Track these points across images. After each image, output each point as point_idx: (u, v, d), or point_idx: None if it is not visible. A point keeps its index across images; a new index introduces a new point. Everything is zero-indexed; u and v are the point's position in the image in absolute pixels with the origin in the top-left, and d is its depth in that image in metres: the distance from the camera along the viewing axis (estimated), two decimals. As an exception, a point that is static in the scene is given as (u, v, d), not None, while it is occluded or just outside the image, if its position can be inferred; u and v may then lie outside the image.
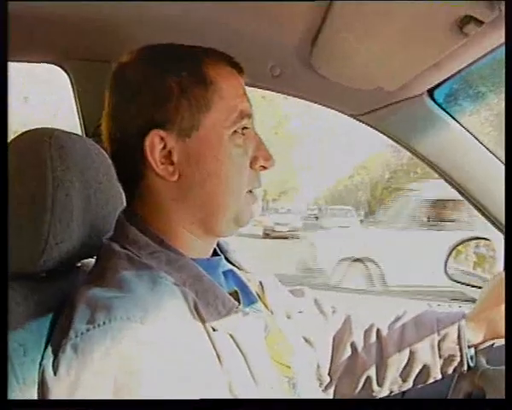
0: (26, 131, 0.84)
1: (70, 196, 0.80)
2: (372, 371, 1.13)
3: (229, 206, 0.84)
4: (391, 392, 1.14)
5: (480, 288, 1.67)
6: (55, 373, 0.66)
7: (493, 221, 1.33)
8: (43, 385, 0.67)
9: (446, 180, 1.36)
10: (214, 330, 0.76)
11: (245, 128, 0.85)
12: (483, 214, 1.34)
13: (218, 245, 0.97)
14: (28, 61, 1.42)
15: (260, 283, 1.01)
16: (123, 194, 0.97)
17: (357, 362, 1.14)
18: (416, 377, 1.11)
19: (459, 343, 1.08)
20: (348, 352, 1.15)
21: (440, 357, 1.09)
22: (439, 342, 1.09)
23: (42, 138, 0.81)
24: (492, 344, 1.13)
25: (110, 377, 0.63)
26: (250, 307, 0.91)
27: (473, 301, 1.70)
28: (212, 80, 0.82)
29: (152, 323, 0.68)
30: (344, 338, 1.16)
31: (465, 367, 1.08)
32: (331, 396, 1.13)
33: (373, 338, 1.15)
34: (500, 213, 1.30)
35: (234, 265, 1.00)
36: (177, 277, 0.78)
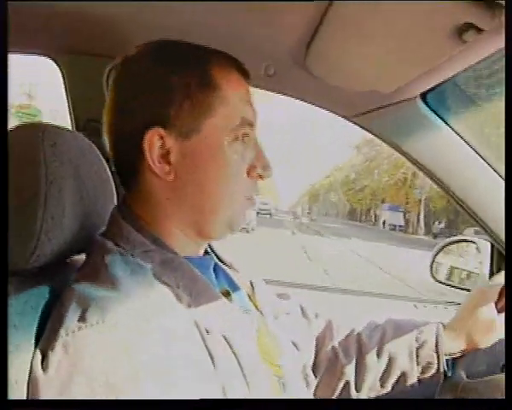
0: (17, 126, 0.83)
1: (63, 191, 0.80)
2: (351, 376, 1.14)
3: (222, 211, 0.85)
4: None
5: (465, 290, 1.68)
6: (44, 372, 0.65)
7: (481, 225, 1.35)
8: (32, 384, 0.67)
9: (436, 183, 1.37)
10: (208, 332, 0.76)
11: (246, 136, 0.85)
12: (472, 218, 1.35)
13: (208, 245, 0.97)
14: (20, 53, 1.40)
15: (251, 282, 1.01)
16: (114, 189, 0.97)
17: (336, 366, 1.16)
18: (394, 383, 1.13)
19: (437, 351, 1.10)
20: (329, 355, 1.17)
21: (418, 364, 1.11)
22: (418, 349, 1.11)
23: (34, 134, 0.80)
24: (472, 356, 1.14)
25: (101, 378, 0.63)
26: (241, 307, 0.91)
27: (458, 303, 1.72)
28: (218, 85, 0.82)
29: (145, 324, 0.68)
30: (325, 342, 1.19)
31: (441, 375, 1.10)
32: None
33: (353, 343, 1.17)
34: (490, 217, 1.31)
35: (224, 264, 1.00)
36: (170, 277, 0.78)
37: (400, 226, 48.39)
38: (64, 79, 1.41)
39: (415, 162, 1.36)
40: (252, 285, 1.01)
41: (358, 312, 1.76)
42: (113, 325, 0.66)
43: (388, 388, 1.13)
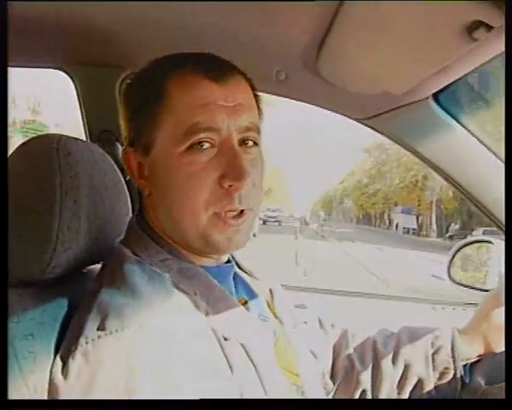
0: (32, 138, 0.84)
1: (78, 202, 0.80)
2: (367, 384, 1.13)
3: (190, 226, 0.80)
4: None
5: (484, 290, 1.66)
6: (65, 379, 0.66)
7: (498, 225, 1.33)
8: (52, 391, 0.67)
9: (451, 183, 1.36)
10: (226, 339, 0.76)
11: (205, 142, 0.78)
12: (488, 217, 1.34)
13: None
14: (33, 67, 1.41)
15: (270, 290, 1.01)
16: (128, 199, 0.98)
17: (352, 374, 1.15)
18: (411, 391, 1.11)
19: (453, 356, 1.08)
20: (345, 363, 1.16)
21: (434, 369, 1.09)
22: (433, 354, 1.10)
23: (49, 145, 0.81)
24: (489, 362, 1.12)
25: (121, 385, 0.63)
26: (259, 315, 0.91)
27: (476, 304, 1.70)
28: (169, 95, 0.79)
29: (164, 332, 0.68)
30: (341, 350, 1.18)
31: (458, 381, 1.08)
32: None
33: (369, 351, 1.16)
34: (501, 213, 1.30)
35: (244, 271, 1.00)
36: (188, 285, 0.78)
37: (414, 229, 47.92)
38: (77, 90, 1.42)
39: (429, 163, 1.35)
40: (271, 293, 1.01)
41: (374, 316, 1.76)
42: (132, 333, 0.67)
43: (405, 396, 1.11)
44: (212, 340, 0.75)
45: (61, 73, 1.40)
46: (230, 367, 0.74)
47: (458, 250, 1.80)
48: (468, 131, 1.28)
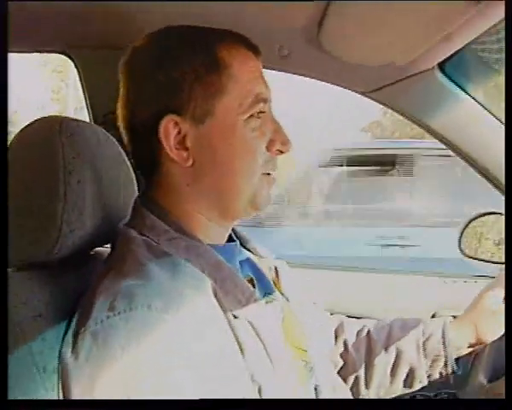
0: (35, 120, 0.84)
1: (82, 183, 0.80)
2: (361, 371, 1.14)
3: (243, 189, 0.84)
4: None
5: (494, 263, 1.65)
6: (74, 361, 0.66)
7: (503, 190, 1.32)
8: (63, 373, 0.68)
9: (458, 154, 1.35)
10: (235, 317, 0.76)
11: (261, 112, 0.83)
12: (496, 188, 1.33)
13: (233, 231, 0.96)
14: (36, 51, 1.41)
15: (275, 268, 1.01)
16: (134, 180, 0.97)
17: (347, 360, 1.16)
18: (404, 380, 1.12)
19: (443, 343, 1.08)
20: (341, 349, 1.17)
21: (426, 357, 1.09)
22: (424, 342, 1.10)
23: (52, 126, 0.81)
24: (488, 358, 1.10)
25: (131, 366, 0.63)
26: (266, 293, 0.91)
27: (488, 277, 1.69)
28: (227, 65, 0.81)
29: (174, 312, 0.68)
30: (338, 335, 1.19)
31: (450, 370, 1.08)
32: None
33: (363, 338, 1.17)
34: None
35: (248, 250, 1.01)
36: (195, 264, 0.78)
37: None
38: (80, 73, 1.42)
39: (436, 134, 1.34)
40: (276, 271, 1.01)
41: (385, 291, 1.76)
42: (141, 314, 0.67)
43: (398, 386, 1.12)
44: (222, 317, 0.75)
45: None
46: (241, 350, 0.74)
47: (469, 223, 1.79)
48: (475, 100, 1.27)
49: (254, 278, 0.90)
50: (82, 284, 0.81)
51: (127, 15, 1.18)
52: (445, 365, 1.08)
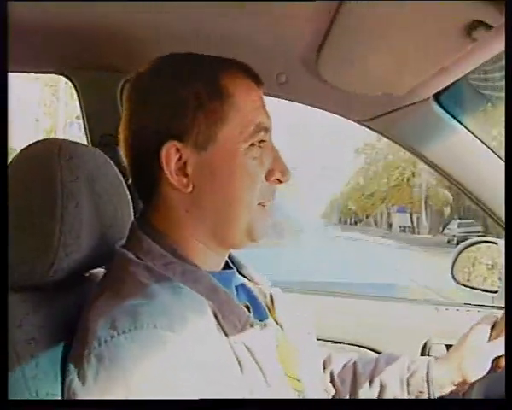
0: (34, 142, 0.84)
1: (79, 206, 0.80)
2: None
3: (241, 217, 0.84)
4: None
5: (489, 292, 1.66)
6: (82, 386, 0.66)
7: (498, 222, 1.33)
8: (73, 397, 0.67)
9: (452, 182, 1.36)
10: (235, 342, 0.77)
11: (262, 141, 0.84)
12: (492, 218, 1.34)
13: (229, 258, 0.96)
14: (35, 72, 1.42)
15: (270, 295, 1.01)
16: (131, 203, 0.97)
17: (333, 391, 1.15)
18: None
19: (427, 380, 1.07)
20: (328, 379, 1.16)
21: (409, 393, 1.08)
22: (408, 378, 1.09)
23: (50, 149, 0.81)
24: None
25: (140, 384, 0.64)
26: (261, 320, 0.90)
27: (481, 305, 1.69)
28: (229, 93, 0.82)
29: (179, 331, 0.68)
30: (325, 366, 1.18)
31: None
32: None
33: (349, 370, 1.16)
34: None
35: (244, 277, 1.01)
36: (193, 288, 0.78)
37: (409, 228, 47.71)
38: (78, 94, 1.43)
39: (430, 163, 1.35)
40: (271, 299, 1.01)
41: (376, 318, 1.75)
42: (147, 331, 0.67)
43: None
44: (223, 339, 0.76)
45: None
46: (241, 368, 0.75)
47: (462, 251, 1.79)
48: (470, 131, 1.28)
49: (250, 305, 0.90)
50: (76, 307, 0.80)
51: (127, 38, 1.19)
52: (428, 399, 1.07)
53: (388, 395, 1.09)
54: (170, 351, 0.66)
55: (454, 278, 1.78)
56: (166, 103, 0.82)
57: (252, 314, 0.87)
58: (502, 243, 1.61)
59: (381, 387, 1.10)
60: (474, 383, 1.06)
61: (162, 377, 0.64)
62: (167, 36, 1.13)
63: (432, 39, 0.86)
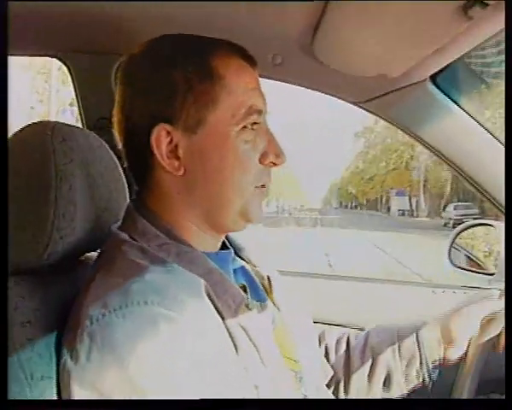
0: (27, 125, 0.83)
1: (73, 189, 0.80)
2: (340, 376, 1.15)
3: (234, 201, 0.84)
4: None
5: (485, 274, 1.66)
6: (75, 365, 0.67)
7: (494, 204, 1.33)
8: (64, 377, 0.68)
9: (449, 164, 1.36)
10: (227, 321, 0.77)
11: (255, 124, 0.83)
12: (485, 197, 1.34)
13: (227, 238, 0.97)
14: (29, 55, 1.41)
15: (268, 277, 1.01)
16: (126, 186, 0.97)
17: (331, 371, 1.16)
18: (381, 383, 1.12)
19: (417, 341, 1.08)
20: (322, 353, 1.18)
21: (401, 358, 1.10)
22: (399, 344, 1.11)
23: (43, 131, 0.80)
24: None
25: (134, 362, 0.64)
26: (257, 301, 0.91)
27: (478, 287, 1.70)
28: (220, 75, 0.81)
29: (171, 307, 0.68)
30: (320, 342, 1.19)
31: (425, 369, 1.07)
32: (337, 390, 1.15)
33: (342, 344, 1.18)
34: (501, 195, 1.30)
35: (242, 258, 1.01)
36: (187, 269, 0.78)
37: (408, 211, 47.80)
38: (73, 78, 1.42)
39: (427, 144, 1.35)
40: (269, 280, 1.01)
41: (374, 300, 1.76)
42: (138, 308, 0.67)
43: (378, 387, 1.11)
44: (216, 318, 0.75)
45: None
46: (235, 346, 0.75)
47: (458, 234, 1.79)
48: (467, 112, 1.28)
49: (247, 286, 0.90)
50: (71, 290, 0.80)
51: (120, 21, 1.18)
52: (421, 364, 1.08)
53: (381, 364, 1.11)
54: (162, 327, 0.66)
55: (450, 261, 1.78)
56: (157, 86, 0.81)
57: (249, 295, 0.87)
58: (498, 225, 1.61)
59: (373, 356, 1.12)
60: (473, 361, 1.05)
61: (154, 353, 0.65)
62: (161, 18, 1.12)
63: (427, 19, 0.85)
